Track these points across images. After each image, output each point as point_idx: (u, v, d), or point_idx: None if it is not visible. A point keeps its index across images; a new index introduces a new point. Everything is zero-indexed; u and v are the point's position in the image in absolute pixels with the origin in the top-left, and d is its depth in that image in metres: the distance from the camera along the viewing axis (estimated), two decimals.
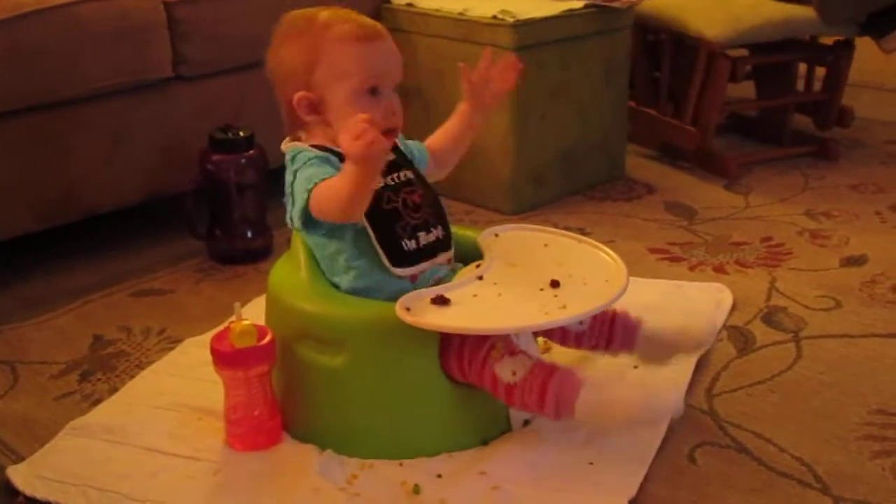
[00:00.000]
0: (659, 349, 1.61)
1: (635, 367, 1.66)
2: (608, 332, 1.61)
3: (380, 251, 1.47)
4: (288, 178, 1.49)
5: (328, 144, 1.49)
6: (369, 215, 1.43)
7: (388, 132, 1.48)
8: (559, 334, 1.63)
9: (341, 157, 1.45)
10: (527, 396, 1.42)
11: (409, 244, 1.49)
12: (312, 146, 1.48)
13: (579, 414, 1.41)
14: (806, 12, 2.62)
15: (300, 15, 1.52)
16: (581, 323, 1.60)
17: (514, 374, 1.41)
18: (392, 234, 1.48)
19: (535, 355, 1.48)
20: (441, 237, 1.55)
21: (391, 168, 1.52)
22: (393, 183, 1.51)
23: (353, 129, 1.29)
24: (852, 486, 1.40)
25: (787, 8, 2.68)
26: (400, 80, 1.52)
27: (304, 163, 1.45)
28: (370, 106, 1.45)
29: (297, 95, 1.48)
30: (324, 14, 1.50)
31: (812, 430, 1.53)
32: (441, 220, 1.56)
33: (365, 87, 1.46)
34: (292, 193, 1.46)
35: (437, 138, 1.66)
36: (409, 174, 1.55)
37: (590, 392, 1.40)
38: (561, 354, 1.66)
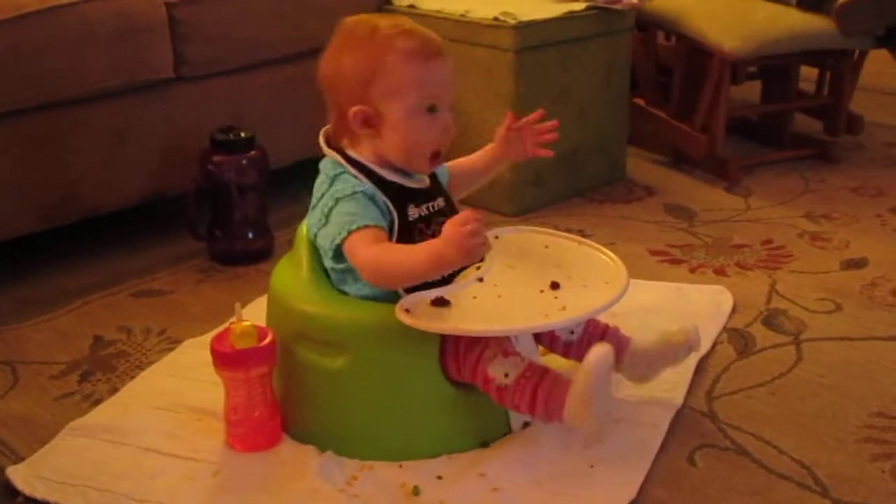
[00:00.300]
0: (645, 367, 1.59)
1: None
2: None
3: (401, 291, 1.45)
4: (322, 188, 1.47)
5: (371, 161, 1.47)
6: None
7: (437, 154, 1.48)
8: (547, 341, 1.62)
9: (383, 184, 1.45)
10: (518, 398, 1.42)
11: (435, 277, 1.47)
12: (354, 161, 1.47)
13: (568, 417, 1.40)
14: (825, 24, 2.59)
15: (360, 23, 1.48)
16: (572, 332, 1.60)
17: (506, 375, 1.41)
18: None
19: (531, 357, 1.48)
20: (464, 265, 1.54)
21: (427, 196, 1.51)
22: (426, 213, 1.50)
23: (464, 219, 1.31)
24: (852, 489, 1.40)
25: (806, 19, 2.64)
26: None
27: (350, 194, 1.43)
28: (428, 124, 1.45)
29: (354, 109, 1.44)
30: (385, 24, 1.46)
31: (812, 433, 1.53)
32: None
33: (423, 104, 1.44)
34: (325, 212, 1.45)
35: (459, 166, 1.65)
36: (442, 202, 1.54)
37: (580, 395, 1.39)
38: (560, 358, 1.66)
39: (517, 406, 1.43)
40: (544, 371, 1.43)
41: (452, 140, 1.54)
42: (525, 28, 2.33)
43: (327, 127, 1.53)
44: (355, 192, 1.43)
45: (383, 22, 1.47)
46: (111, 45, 2.10)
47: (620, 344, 1.59)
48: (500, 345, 1.43)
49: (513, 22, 2.32)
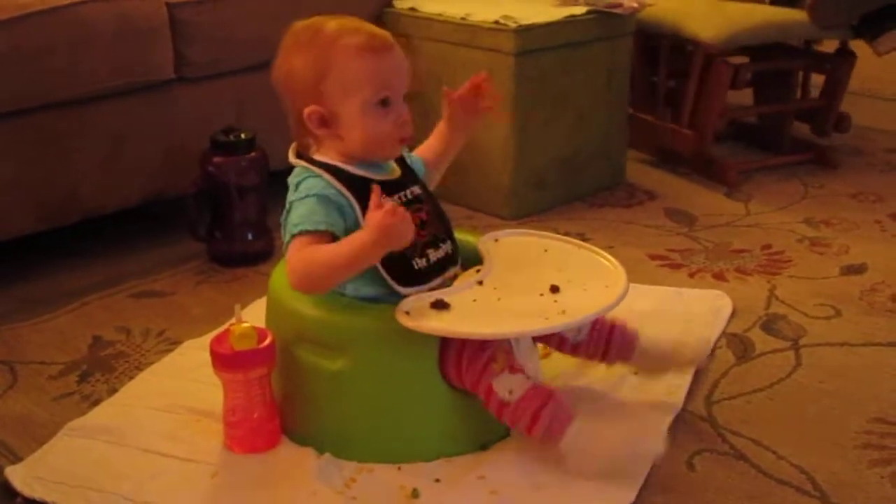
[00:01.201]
0: (655, 361, 1.61)
1: (635, 373, 1.66)
2: (605, 342, 1.60)
3: (386, 276, 1.44)
4: (289, 198, 1.47)
5: (338, 160, 1.47)
6: None
7: (402, 140, 1.49)
8: (556, 340, 1.63)
9: (351, 180, 1.45)
10: (518, 417, 1.42)
11: (420, 262, 1.48)
12: (321, 164, 1.47)
13: (564, 445, 1.41)
14: (799, 16, 2.63)
15: (307, 25, 1.49)
16: (578, 332, 1.60)
17: (510, 392, 1.41)
18: (401, 254, 1.45)
19: (536, 367, 1.48)
20: (450, 252, 1.54)
21: (398, 186, 1.51)
22: (401, 202, 1.49)
23: (380, 203, 1.32)
24: (850, 495, 1.40)
25: (780, 11, 2.71)
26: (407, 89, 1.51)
27: (302, 198, 1.44)
28: (381, 117, 1.45)
29: (308, 110, 1.45)
30: (331, 25, 1.47)
31: (811, 438, 1.53)
32: (448, 233, 1.56)
33: (376, 99, 1.44)
34: (283, 218, 1.46)
35: (424, 152, 1.65)
36: (417, 190, 1.54)
37: (579, 426, 1.41)
38: (561, 359, 1.66)
39: (514, 423, 1.43)
40: (549, 395, 1.42)
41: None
42: (525, 32, 2.33)
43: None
44: (307, 196, 1.43)
45: (330, 23, 1.47)
46: (112, 45, 2.10)
47: (629, 340, 1.60)
48: (507, 359, 1.43)
49: (513, 25, 2.32)
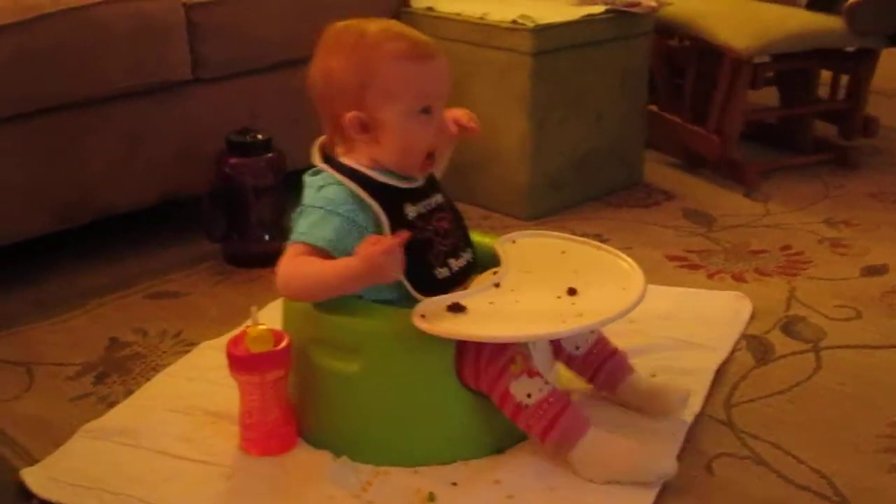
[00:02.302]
0: (637, 401, 1.57)
1: (653, 375, 1.64)
2: (597, 366, 1.59)
3: (408, 285, 1.44)
4: (306, 197, 1.47)
5: (367, 166, 1.46)
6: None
7: (431, 156, 1.48)
8: (553, 348, 1.60)
9: (376, 187, 1.44)
10: (534, 422, 1.41)
11: (442, 272, 1.47)
12: (348, 169, 1.46)
13: (575, 455, 1.41)
14: (835, 23, 2.59)
15: (348, 27, 1.46)
16: (577, 348, 1.59)
17: (528, 396, 1.41)
18: (425, 263, 1.46)
19: (552, 370, 1.47)
20: (470, 260, 1.53)
21: (421, 195, 1.50)
22: (425, 211, 1.49)
23: (378, 239, 1.33)
24: (871, 499, 1.38)
25: (815, 18, 2.66)
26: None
27: (318, 206, 1.44)
28: (422, 126, 1.44)
29: (350, 115, 1.44)
30: (374, 28, 1.45)
31: (831, 442, 1.51)
32: (468, 241, 1.55)
33: (418, 107, 1.43)
34: (296, 216, 1.46)
35: None
36: (440, 199, 1.53)
37: (592, 436, 1.41)
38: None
39: (530, 427, 1.43)
40: (566, 403, 1.42)
41: (463, 142, 1.53)
42: (543, 31, 2.32)
43: (322, 138, 1.52)
44: (322, 208, 1.43)
45: (371, 26, 1.45)
46: (128, 46, 2.10)
47: (620, 374, 1.58)
48: (526, 362, 1.42)
49: (531, 25, 2.31)
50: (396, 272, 1.37)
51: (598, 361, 1.58)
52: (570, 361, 1.60)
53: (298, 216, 1.46)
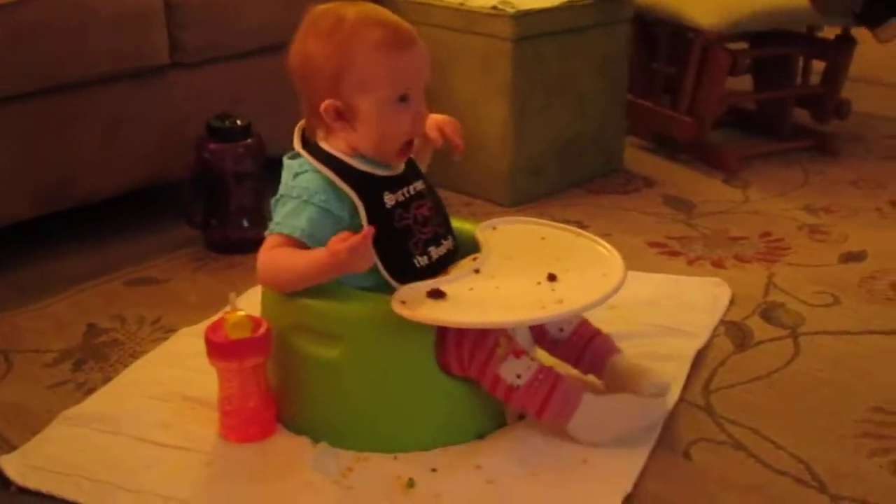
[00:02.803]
0: (621, 382, 1.56)
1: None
2: (581, 349, 1.58)
3: (385, 274, 1.44)
4: (283, 183, 1.47)
5: (345, 153, 1.45)
6: (378, 236, 1.38)
7: (410, 143, 1.47)
8: (536, 333, 1.60)
9: (354, 175, 1.44)
10: (528, 401, 1.42)
11: (421, 261, 1.47)
12: (326, 156, 1.45)
13: (572, 426, 1.43)
14: (800, 2, 2.61)
15: (327, 11, 1.45)
16: (561, 330, 1.59)
17: (518, 377, 1.41)
18: (404, 252, 1.46)
19: (532, 355, 1.47)
20: (451, 248, 1.53)
21: (401, 182, 1.49)
22: (404, 199, 1.48)
23: (346, 237, 1.34)
24: (850, 485, 1.39)
25: None
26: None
27: (295, 196, 1.44)
28: (399, 113, 1.43)
29: (325, 103, 1.43)
30: (352, 13, 1.43)
31: (810, 428, 1.52)
32: (448, 228, 1.55)
33: (395, 96, 1.42)
34: (274, 204, 1.47)
35: None
36: (420, 185, 1.52)
37: (586, 404, 1.43)
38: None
39: (524, 406, 1.44)
40: (557, 378, 1.43)
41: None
42: (524, 17, 2.32)
43: (303, 121, 1.52)
44: (298, 198, 1.43)
45: (350, 12, 1.44)
46: (107, 30, 2.08)
47: (605, 354, 1.58)
48: (510, 344, 1.42)
49: (511, 11, 2.31)
50: (365, 266, 1.37)
51: (582, 342, 1.58)
52: (553, 347, 1.60)
53: (276, 204, 1.46)
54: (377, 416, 1.47)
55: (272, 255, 1.43)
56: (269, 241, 1.44)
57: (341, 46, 1.42)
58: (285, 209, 1.44)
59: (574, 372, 1.61)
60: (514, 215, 1.89)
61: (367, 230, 1.35)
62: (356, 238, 1.34)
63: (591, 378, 1.61)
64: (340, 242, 1.35)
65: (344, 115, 1.44)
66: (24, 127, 2.03)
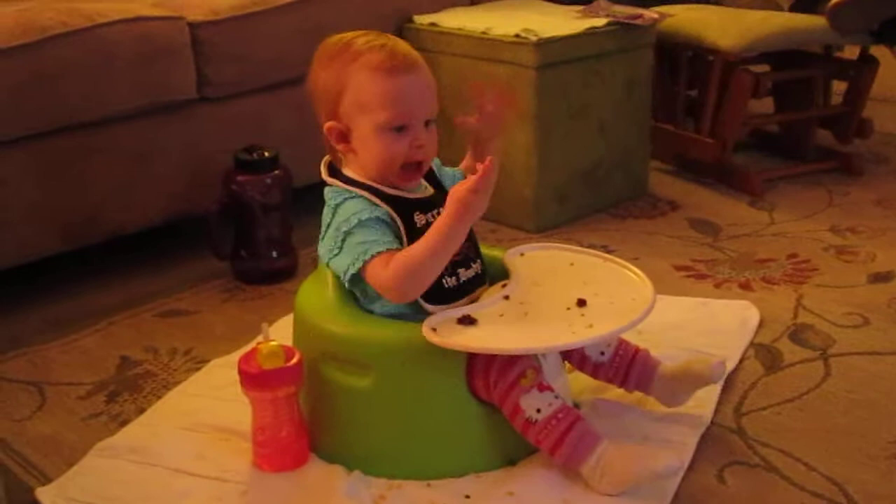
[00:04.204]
0: (670, 394, 1.58)
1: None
2: (626, 368, 1.59)
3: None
4: (327, 218, 1.48)
5: (363, 177, 1.47)
6: None
7: (415, 166, 1.48)
8: (577, 358, 1.61)
9: (384, 198, 1.45)
10: (543, 437, 1.42)
11: (450, 281, 1.48)
12: (357, 183, 1.47)
13: (586, 470, 1.41)
14: (818, 22, 2.62)
15: (338, 39, 1.49)
16: (602, 353, 1.59)
17: (538, 411, 1.41)
18: None
19: (564, 382, 1.47)
20: (479, 272, 1.54)
21: (429, 205, 1.50)
22: (434, 219, 1.48)
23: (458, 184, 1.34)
24: None
25: (798, 18, 2.71)
26: (435, 111, 1.48)
27: (356, 224, 1.43)
28: (396, 140, 1.44)
29: (328, 125, 1.47)
30: (360, 41, 1.46)
31: (842, 449, 1.52)
32: (478, 253, 1.56)
33: (391, 121, 1.43)
34: (337, 243, 1.45)
35: (465, 166, 1.63)
36: None
37: (603, 449, 1.41)
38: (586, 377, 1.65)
39: (539, 442, 1.43)
40: (576, 418, 1.42)
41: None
42: (546, 45, 2.33)
43: (328, 155, 1.54)
44: (361, 221, 1.43)
45: (360, 38, 1.47)
46: (134, 66, 2.11)
47: (650, 369, 1.59)
48: (536, 376, 1.42)
49: (534, 39, 2.32)
50: (486, 204, 1.35)
51: (625, 362, 1.59)
52: (596, 371, 1.61)
53: (342, 239, 1.45)
54: (410, 444, 1.47)
55: (396, 266, 1.40)
56: (374, 266, 1.41)
57: (342, 69, 1.45)
58: (356, 239, 1.43)
59: (619, 391, 1.62)
60: (540, 241, 1.89)
61: (488, 161, 1.33)
62: (472, 178, 1.33)
63: (637, 394, 1.62)
64: (459, 191, 1.34)
65: (345, 138, 1.47)
66: (52, 163, 2.06)
